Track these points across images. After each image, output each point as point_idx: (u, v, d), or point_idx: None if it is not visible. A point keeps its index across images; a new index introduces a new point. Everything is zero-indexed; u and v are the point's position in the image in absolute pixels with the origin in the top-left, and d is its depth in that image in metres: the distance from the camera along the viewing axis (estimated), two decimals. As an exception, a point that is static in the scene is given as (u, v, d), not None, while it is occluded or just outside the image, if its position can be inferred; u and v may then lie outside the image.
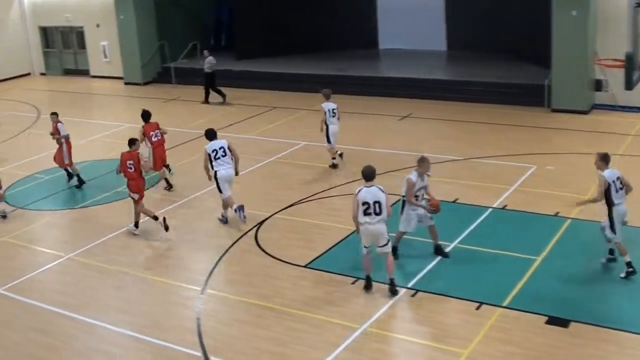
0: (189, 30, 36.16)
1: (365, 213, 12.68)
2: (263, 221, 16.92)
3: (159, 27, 35.30)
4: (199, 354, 11.82)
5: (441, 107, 26.32)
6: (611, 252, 13.76)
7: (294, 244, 15.67)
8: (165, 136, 20.04)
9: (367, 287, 13.35)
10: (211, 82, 29.89)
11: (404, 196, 14.14)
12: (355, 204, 12.75)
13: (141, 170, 16.78)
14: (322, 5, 34.21)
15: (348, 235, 15.63)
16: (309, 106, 27.57)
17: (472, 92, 27.02)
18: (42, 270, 15.54)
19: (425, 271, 13.89)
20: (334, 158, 20.46)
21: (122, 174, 16.86)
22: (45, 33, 40.54)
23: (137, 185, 16.75)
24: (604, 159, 13.32)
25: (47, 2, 39.16)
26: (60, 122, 20.50)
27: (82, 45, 39.03)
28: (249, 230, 16.43)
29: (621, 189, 13.16)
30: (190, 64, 34.46)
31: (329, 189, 18.64)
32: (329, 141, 20.19)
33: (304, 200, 18.00)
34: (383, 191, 12.77)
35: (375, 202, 12.64)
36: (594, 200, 13.46)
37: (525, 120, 23.94)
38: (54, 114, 20.75)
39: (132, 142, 16.98)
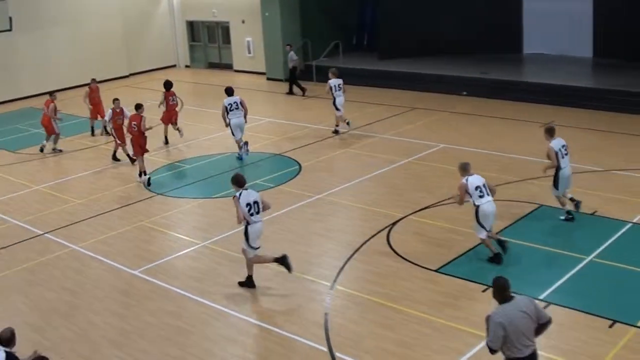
0: (332, 30, 36.37)
1: (251, 214, 13.45)
2: (396, 222, 16.89)
3: (303, 25, 35.73)
4: (325, 349, 11.91)
5: (584, 115, 25.50)
6: (569, 212, 16.08)
7: (426, 247, 15.53)
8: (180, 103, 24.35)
9: (246, 285, 14.15)
10: (293, 76, 32.46)
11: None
12: (238, 207, 13.40)
13: (143, 130, 20.57)
14: (466, 8, 33.79)
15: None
16: (449, 108, 27.34)
17: (616, 101, 26.04)
18: (177, 255, 16.03)
19: (558, 284, 13.51)
20: (337, 125, 24.56)
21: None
22: (192, 27, 41.79)
23: (137, 142, 20.71)
24: (548, 132, 15.91)
25: (195, -3, 40.44)
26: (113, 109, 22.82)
27: (226, 40, 39.99)
28: (382, 230, 16.41)
29: (566, 154, 15.71)
30: (332, 62, 34.72)
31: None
32: (337, 109, 24.25)
33: (439, 204, 17.82)
34: (256, 191, 13.89)
35: (254, 202, 13.56)
36: (552, 165, 15.73)
37: (673, 133, 22.95)
38: (117, 99, 23.15)
39: (138, 106, 20.94)
